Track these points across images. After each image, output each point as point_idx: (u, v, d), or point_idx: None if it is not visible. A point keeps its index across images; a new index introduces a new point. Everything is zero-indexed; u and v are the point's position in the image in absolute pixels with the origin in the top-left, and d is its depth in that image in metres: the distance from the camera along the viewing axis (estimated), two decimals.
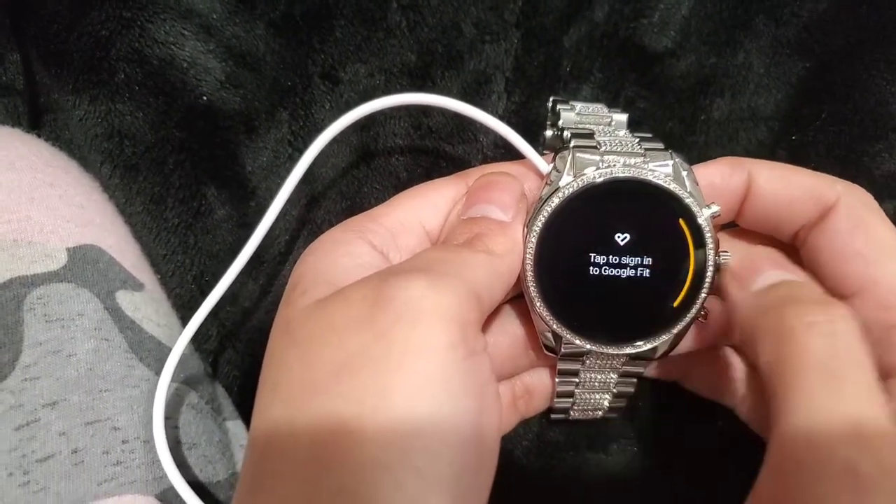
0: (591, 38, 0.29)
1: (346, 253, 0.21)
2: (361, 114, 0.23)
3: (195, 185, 0.29)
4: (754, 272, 0.20)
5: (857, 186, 0.23)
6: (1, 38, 0.29)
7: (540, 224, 0.21)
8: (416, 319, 0.17)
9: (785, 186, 0.23)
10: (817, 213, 0.22)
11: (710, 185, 0.22)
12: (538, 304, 0.21)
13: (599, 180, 0.21)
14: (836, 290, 0.22)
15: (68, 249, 0.25)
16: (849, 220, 0.22)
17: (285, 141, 0.30)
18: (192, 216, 0.29)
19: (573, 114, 0.24)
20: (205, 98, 0.29)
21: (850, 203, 0.22)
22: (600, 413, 0.26)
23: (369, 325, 0.17)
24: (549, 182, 0.21)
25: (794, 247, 0.23)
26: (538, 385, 0.25)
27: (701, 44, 0.30)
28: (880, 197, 0.29)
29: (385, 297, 0.18)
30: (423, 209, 0.23)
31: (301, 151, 0.30)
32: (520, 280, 0.21)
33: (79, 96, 0.28)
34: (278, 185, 0.30)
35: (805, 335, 0.18)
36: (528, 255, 0.21)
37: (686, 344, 0.23)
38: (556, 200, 0.21)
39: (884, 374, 0.20)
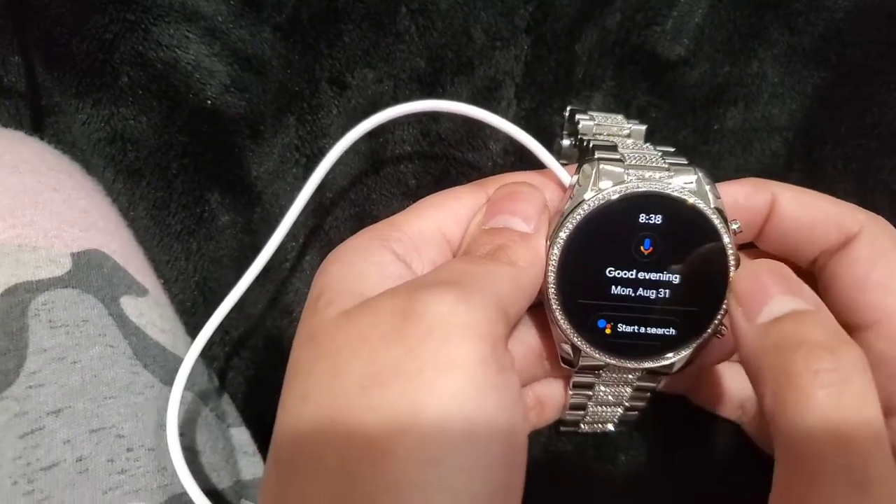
0: (603, 45, 0.30)
1: (370, 262, 0.21)
2: (382, 119, 0.24)
3: (199, 191, 0.30)
4: (762, 299, 0.20)
5: (880, 217, 0.23)
6: (2, 40, 0.29)
7: (563, 237, 0.22)
8: (447, 335, 0.18)
9: (808, 211, 0.23)
10: (838, 241, 0.23)
11: (732, 204, 0.23)
12: (559, 317, 0.22)
13: (623, 195, 0.22)
14: (853, 321, 0.22)
15: (73, 254, 0.26)
16: (871, 250, 0.22)
17: (292, 146, 0.30)
18: (196, 222, 0.30)
19: (592, 123, 0.25)
20: (209, 102, 0.29)
21: (874, 233, 0.23)
22: (610, 426, 0.26)
23: (400, 340, 0.18)
24: (572, 195, 0.22)
25: (810, 273, 0.24)
26: (550, 396, 0.26)
27: (714, 52, 0.30)
28: None
29: (415, 310, 0.18)
30: (443, 218, 0.23)
31: (308, 157, 0.31)
32: (540, 292, 0.22)
33: (81, 100, 0.29)
34: (284, 191, 0.31)
35: (810, 384, 0.17)
36: (550, 268, 0.22)
37: (702, 359, 0.24)
38: (580, 213, 0.22)
39: (893, 413, 0.21)
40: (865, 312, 0.22)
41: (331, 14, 0.30)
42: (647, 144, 0.23)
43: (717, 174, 0.26)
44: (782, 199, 0.24)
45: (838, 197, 0.29)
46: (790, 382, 0.18)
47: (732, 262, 0.22)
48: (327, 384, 0.18)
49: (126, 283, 0.27)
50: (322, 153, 0.30)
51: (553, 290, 0.22)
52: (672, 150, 0.23)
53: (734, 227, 0.22)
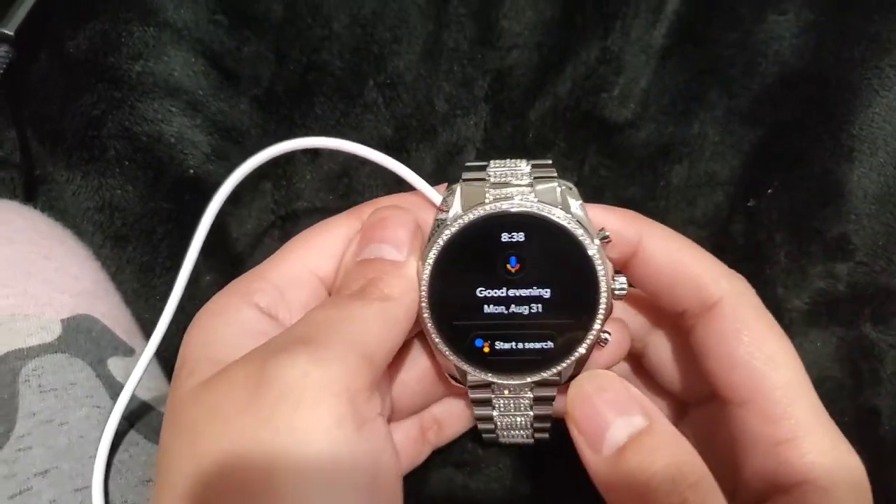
0: (556, 112, 0.32)
1: (230, 324, 0.20)
2: (259, 161, 0.24)
3: (182, 254, 0.31)
4: (601, 428, 0.20)
5: (742, 282, 0.23)
6: (3, 118, 0.31)
7: (432, 259, 0.22)
8: (299, 400, 0.17)
9: (670, 263, 0.23)
10: (699, 306, 0.23)
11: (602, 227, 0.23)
12: (437, 340, 0.22)
13: (483, 215, 0.22)
14: (725, 396, 0.22)
15: (62, 320, 0.27)
16: (732, 324, 0.22)
17: (268, 209, 0.32)
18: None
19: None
20: (192, 171, 0.31)
21: (734, 303, 0.22)
22: (527, 434, 0.26)
23: (254, 410, 0.17)
24: (440, 214, 0.22)
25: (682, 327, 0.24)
26: (447, 415, 0.26)
27: (659, 114, 0.33)
28: (833, 259, 0.32)
29: (267, 377, 0.17)
30: (312, 256, 0.22)
31: (283, 218, 0.32)
32: (418, 316, 0.22)
33: (72, 172, 0.31)
34: (262, 251, 0.33)
35: None
36: (423, 293, 0.22)
37: (593, 367, 0.24)
38: (445, 236, 0.22)
39: (771, 491, 0.21)
40: (734, 391, 0.22)
41: (304, 87, 0.32)
42: (523, 161, 0.23)
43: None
44: (649, 242, 0.23)
45: (776, 246, 0.32)
46: None
47: (601, 272, 0.22)
48: (188, 462, 0.18)
49: (114, 344, 0.29)
50: (297, 214, 0.32)
51: (428, 314, 0.22)
52: (548, 162, 0.23)
53: (602, 235, 0.22)
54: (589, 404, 0.21)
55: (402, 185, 0.32)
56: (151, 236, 0.31)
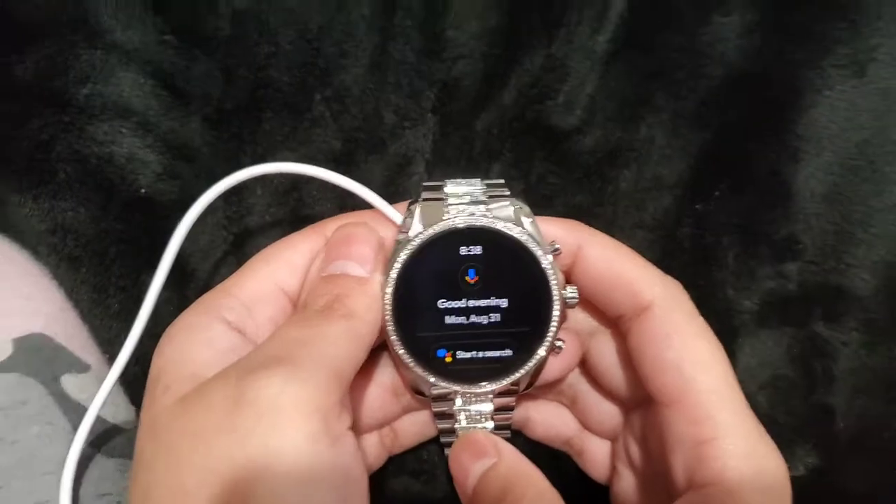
0: (502, 121, 0.34)
1: (201, 339, 0.22)
2: (223, 188, 0.26)
3: (135, 274, 0.33)
4: (465, 476, 0.24)
5: (676, 287, 0.25)
6: None
7: (394, 275, 0.24)
8: (274, 420, 0.19)
9: (607, 269, 0.25)
10: (633, 309, 0.25)
11: (547, 238, 0.25)
12: (401, 352, 0.24)
13: (443, 231, 0.24)
14: (654, 397, 0.24)
15: (13, 340, 0.28)
16: (663, 327, 0.24)
17: (220, 226, 0.34)
18: (133, 302, 0.33)
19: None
20: (143, 191, 0.33)
21: (665, 307, 0.24)
22: None
23: (231, 429, 0.19)
24: (402, 232, 0.24)
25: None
26: (404, 424, 0.28)
27: (606, 120, 0.34)
28: (782, 258, 0.33)
29: (245, 397, 0.19)
30: (277, 272, 0.24)
31: (235, 234, 0.34)
32: (382, 330, 0.24)
33: (23, 195, 0.32)
34: (215, 267, 0.34)
35: None
36: (387, 306, 0.24)
37: (549, 374, 0.26)
38: (407, 251, 0.24)
39: (689, 488, 0.23)
40: (663, 392, 0.24)
41: (252, 104, 0.34)
42: (477, 180, 0.26)
43: (613, 232, 0.29)
44: (587, 249, 0.25)
45: (725, 249, 0.33)
46: None
47: (554, 282, 0.24)
48: (167, 479, 0.19)
49: (68, 361, 0.30)
50: (248, 230, 0.34)
51: (392, 326, 0.24)
52: (501, 182, 0.26)
53: (554, 248, 0.24)
54: (457, 461, 0.24)
55: (352, 198, 0.34)
56: (104, 257, 0.32)
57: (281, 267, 0.24)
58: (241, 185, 0.34)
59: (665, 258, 0.33)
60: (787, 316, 0.33)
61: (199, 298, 0.24)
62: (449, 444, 0.28)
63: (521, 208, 0.25)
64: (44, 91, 0.32)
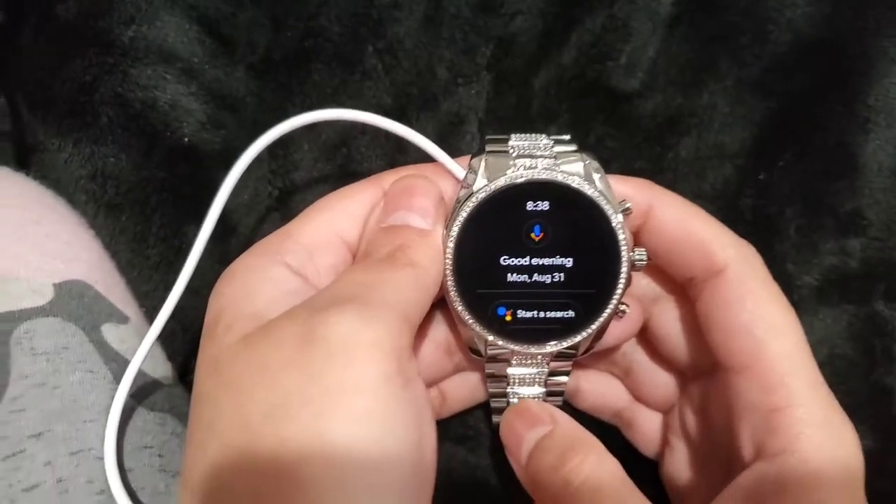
0: (560, 81, 0.33)
1: (263, 280, 0.22)
2: (276, 135, 0.25)
3: (176, 224, 0.32)
4: (519, 444, 0.24)
5: (750, 250, 0.25)
6: None
7: (457, 229, 0.23)
8: (350, 357, 0.18)
9: (680, 230, 0.24)
10: (705, 272, 0.24)
11: (617, 196, 0.24)
12: (460, 308, 0.24)
13: (509, 185, 0.23)
14: (724, 363, 0.24)
15: (55, 285, 0.28)
16: (735, 290, 0.23)
17: (265, 179, 0.33)
18: (174, 254, 0.32)
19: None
20: (186, 139, 0.32)
21: (739, 271, 0.24)
22: None
23: (302, 365, 0.18)
24: (464, 186, 0.24)
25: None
26: (453, 387, 0.27)
27: (668, 84, 0.33)
28: (846, 233, 0.32)
29: (317, 334, 0.19)
30: (338, 220, 0.24)
31: (280, 189, 0.33)
32: (442, 285, 0.23)
33: (63, 139, 0.31)
34: (258, 222, 0.33)
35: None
36: (447, 261, 0.23)
37: (610, 339, 0.26)
38: (470, 205, 0.23)
39: (757, 458, 0.22)
40: (733, 358, 0.23)
41: (301, 54, 0.33)
42: (543, 136, 0.25)
43: None
44: (658, 209, 0.25)
45: (787, 221, 0.32)
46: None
47: (624, 243, 0.23)
48: (232, 415, 0.19)
49: (108, 311, 0.29)
50: (294, 185, 0.33)
51: (452, 282, 0.23)
52: (567, 138, 0.25)
53: (625, 207, 0.23)
54: (510, 428, 0.25)
55: (402, 155, 0.33)
56: (145, 206, 0.32)
57: (341, 216, 0.24)
58: (287, 138, 0.33)
59: None
60: (848, 293, 0.32)
61: (259, 242, 0.24)
62: (499, 410, 0.27)
63: (590, 163, 0.24)
64: (87, 31, 0.31)
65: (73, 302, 0.28)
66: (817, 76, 0.33)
